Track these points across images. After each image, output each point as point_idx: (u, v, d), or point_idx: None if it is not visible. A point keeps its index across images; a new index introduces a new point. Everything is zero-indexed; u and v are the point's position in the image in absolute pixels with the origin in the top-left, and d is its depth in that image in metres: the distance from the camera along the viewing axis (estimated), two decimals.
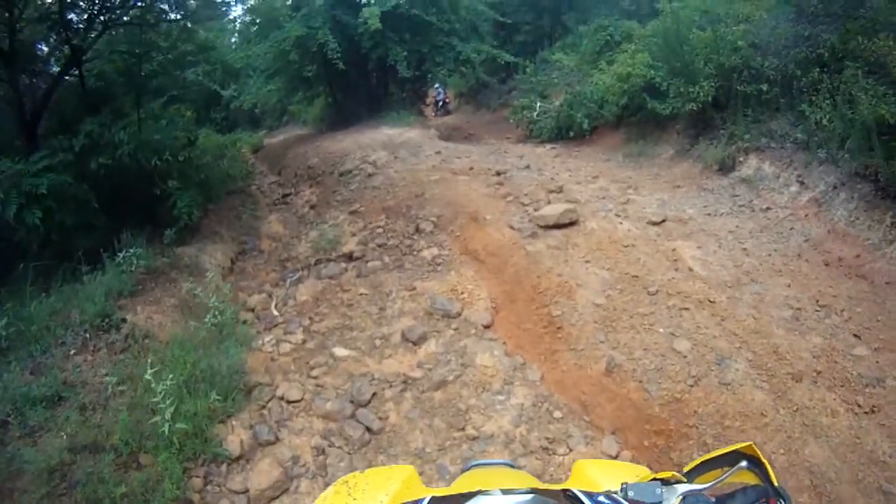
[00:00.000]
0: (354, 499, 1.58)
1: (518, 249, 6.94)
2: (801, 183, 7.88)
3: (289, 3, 14.96)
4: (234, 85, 17.39)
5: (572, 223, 7.30)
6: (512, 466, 2.37)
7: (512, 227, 7.45)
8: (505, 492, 1.34)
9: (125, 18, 9.03)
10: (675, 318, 5.62)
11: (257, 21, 15.30)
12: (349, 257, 7.74)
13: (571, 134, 12.25)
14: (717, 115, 9.47)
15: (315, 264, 7.90)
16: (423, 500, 1.38)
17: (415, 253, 7.44)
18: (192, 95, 17.82)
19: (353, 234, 8.26)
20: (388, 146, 11.68)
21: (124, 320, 6.42)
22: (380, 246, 7.78)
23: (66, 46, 8.47)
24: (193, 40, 10.81)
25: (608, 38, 14.33)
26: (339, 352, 5.85)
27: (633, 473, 1.66)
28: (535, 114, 13.48)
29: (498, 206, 8.12)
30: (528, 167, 9.85)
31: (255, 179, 13.68)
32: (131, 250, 7.01)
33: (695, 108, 9.22)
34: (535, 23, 18.71)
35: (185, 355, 5.59)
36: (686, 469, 1.45)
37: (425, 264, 7.17)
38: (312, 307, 6.85)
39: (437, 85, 18.59)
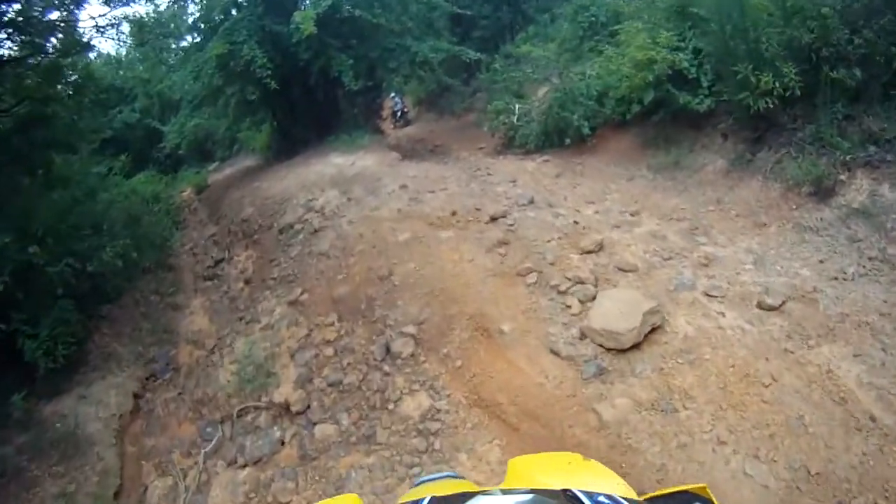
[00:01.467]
0: None
1: (582, 411, 3.45)
2: None
3: (211, 19, 10.96)
4: (174, 118, 13.99)
5: (654, 329, 3.86)
6: (455, 477, 1.94)
7: (556, 353, 3.93)
8: (505, 492, 1.21)
9: None
10: None
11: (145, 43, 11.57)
12: (286, 409, 4.28)
13: (567, 140, 8.76)
14: (785, 112, 6.10)
15: (239, 416, 4.48)
16: (423, 500, 1.23)
17: (389, 406, 3.93)
18: (128, 136, 14.69)
19: (292, 355, 4.76)
20: (338, 182, 8.05)
21: None
22: (332, 386, 4.29)
23: None
24: (62, 78, 7.17)
25: (592, 19, 10.83)
26: None
27: (565, 461, 1.52)
28: (514, 118, 9.96)
29: (515, 295, 4.56)
30: (531, 202, 6.40)
31: (192, 231, 10.12)
32: None
33: (768, 104, 5.81)
34: (494, 15, 15.22)
35: None
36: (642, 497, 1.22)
37: (410, 433, 3.70)
38: None
39: (392, 94, 15.01)
